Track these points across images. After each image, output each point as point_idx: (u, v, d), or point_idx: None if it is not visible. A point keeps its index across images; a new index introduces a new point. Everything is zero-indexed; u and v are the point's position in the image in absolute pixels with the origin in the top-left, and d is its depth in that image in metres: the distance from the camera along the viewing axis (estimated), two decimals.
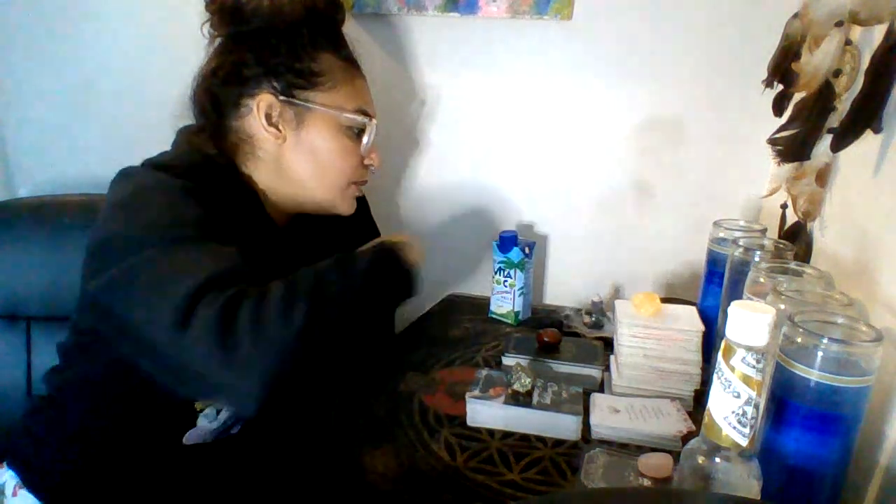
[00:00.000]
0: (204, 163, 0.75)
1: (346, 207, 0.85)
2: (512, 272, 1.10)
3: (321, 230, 0.91)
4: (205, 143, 0.77)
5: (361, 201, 0.92)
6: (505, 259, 1.10)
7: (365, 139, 0.81)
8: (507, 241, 1.10)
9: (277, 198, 0.81)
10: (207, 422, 0.74)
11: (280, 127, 0.76)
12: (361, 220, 0.98)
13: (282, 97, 0.76)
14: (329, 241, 0.88)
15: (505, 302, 1.12)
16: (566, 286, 1.26)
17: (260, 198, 0.80)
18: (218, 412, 0.75)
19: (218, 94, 0.76)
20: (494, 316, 1.15)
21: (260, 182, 0.80)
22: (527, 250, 1.11)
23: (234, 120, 0.77)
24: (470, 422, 0.79)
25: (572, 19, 1.10)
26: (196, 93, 0.78)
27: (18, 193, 1.30)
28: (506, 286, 1.11)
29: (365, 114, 0.81)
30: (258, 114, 0.75)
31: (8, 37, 1.26)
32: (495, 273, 1.12)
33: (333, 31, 0.81)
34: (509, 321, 1.12)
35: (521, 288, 1.11)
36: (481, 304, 1.18)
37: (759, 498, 0.48)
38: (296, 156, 0.78)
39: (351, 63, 0.82)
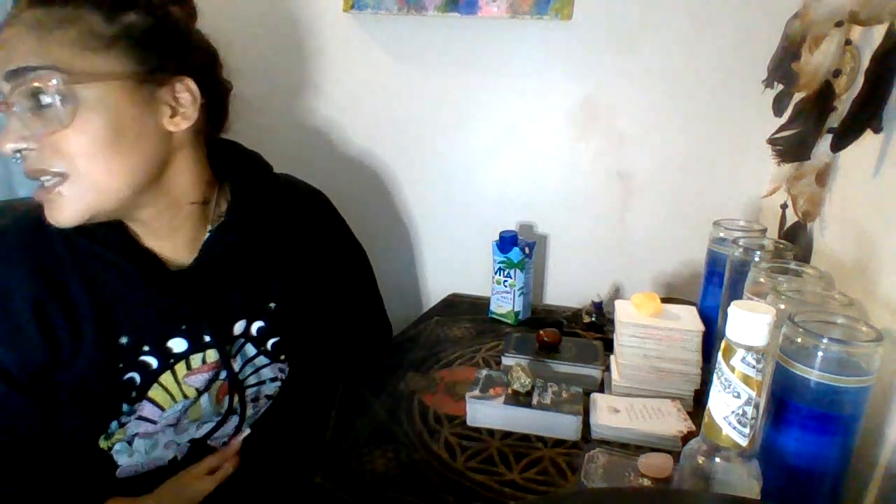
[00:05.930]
0: None
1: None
2: (512, 272, 1.10)
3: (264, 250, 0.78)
4: None
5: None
6: (505, 259, 1.10)
7: None
8: (507, 241, 1.10)
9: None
10: (127, 456, 0.70)
11: None
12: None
13: None
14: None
15: (505, 302, 1.12)
16: (566, 286, 1.26)
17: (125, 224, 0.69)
18: (129, 443, 0.70)
19: None
20: (494, 316, 1.15)
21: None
22: (527, 250, 1.11)
23: None
24: (470, 422, 0.79)
25: (572, 19, 1.10)
26: None
27: (18, 193, 1.30)
28: (506, 286, 1.11)
29: None
30: None
31: None
32: (495, 273, 1.12)
33: None
34: (509, 321, 1.12)
35: (521, 288, 1.11)
36: (481, 304, 1.18)
37: (759, 498, 0.48)
38: None
39: None
